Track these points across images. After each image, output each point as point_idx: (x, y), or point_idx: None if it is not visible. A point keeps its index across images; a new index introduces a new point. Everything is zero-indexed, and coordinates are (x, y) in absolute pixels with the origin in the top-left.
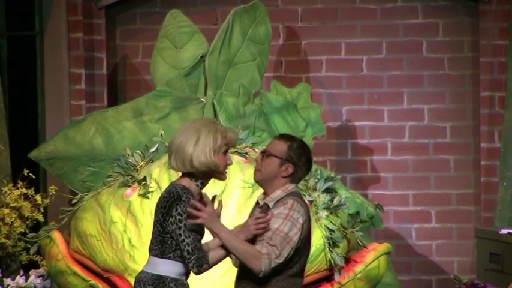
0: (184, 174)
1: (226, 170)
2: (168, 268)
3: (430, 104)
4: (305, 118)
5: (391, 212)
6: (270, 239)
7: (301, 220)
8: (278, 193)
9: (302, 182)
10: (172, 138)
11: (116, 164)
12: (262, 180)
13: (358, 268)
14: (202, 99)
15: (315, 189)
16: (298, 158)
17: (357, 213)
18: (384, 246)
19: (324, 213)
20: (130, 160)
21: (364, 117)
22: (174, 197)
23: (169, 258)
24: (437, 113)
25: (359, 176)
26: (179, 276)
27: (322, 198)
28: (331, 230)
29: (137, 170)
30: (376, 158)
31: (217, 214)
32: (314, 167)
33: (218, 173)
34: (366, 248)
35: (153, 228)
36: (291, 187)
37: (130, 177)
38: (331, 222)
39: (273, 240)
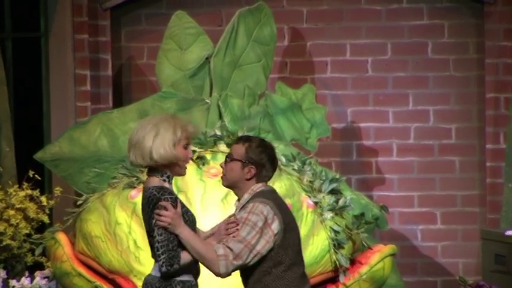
0: (149, 174)
1: (186, 165)
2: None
3: (435, 105)
4: (310, 119)
5: (396, 213)
6: (227, 241)
7: (260, 223)
8: (245, 197)
9: (307, 183)
10: (131, 133)
11: (121, 166)
12: (229, 186)
13: (363, 269)
14: (207, 101)
15: (320, 191)
16: (259, 157)
17: (362, 214)
18: (389, 248)
19: (329, 215)
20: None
21: (369, 119)
22: (153, 201)
23: None
24: (443, 115)
25: (364, 177)
26: (186, 277)
27: (327, 200)
28: (336, 231)
29: (142, 171)
30: (381, 159)
31: (179, 215)
32: (319, 168)
33: (178, 166)
34: (371, 249)
35: (148, 238)
36: (257, 187)
37: (135, 178)
38: (336, 223)
39: (229, 243)
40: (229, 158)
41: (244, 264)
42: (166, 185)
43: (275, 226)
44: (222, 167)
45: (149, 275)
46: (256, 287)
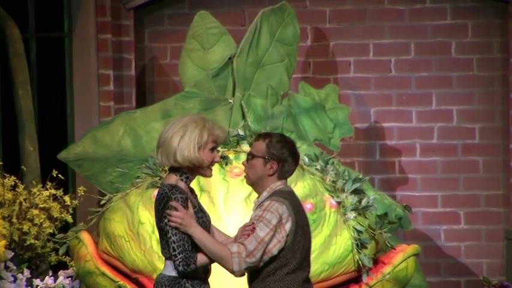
0: (170, 171)
1: (212, 167)
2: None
3: (458, 105)
4: (333, 119)
5: (419, 213)
6: (241, 239)
7: (274, 221)
8: (264, 194)
9: (330, 183)
10: (161, 132)
11: (144, 165)
12: (253, 183)
13: (387, 269)
14: (230, 101)
15: (343, 191)
16: (280, 152)
17: (385, 214)
18: (412, 248)
19: (352, 215)
20: (158, 161)
21: (393, 119)
22: (164, 199)
23: None
24: (466, 114)
25: (387, 177)
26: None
27: (350, 200)
28: (359, 231)
29: (165, 171)
30: (405, 159)
31: (191, 215)
32: (342, 168)
33: (202, 169)
34: (394, 249)
35: (159, 235)
36: (276, 185)
37: (158, 178)
38: (359, 223)
39: (244, 240)
40: (251, 155)
41: (257, 262)
42: (182, 184)
43: (288, 226)
44: (244, 165)
45: (160, 274)
46: (259, 286)
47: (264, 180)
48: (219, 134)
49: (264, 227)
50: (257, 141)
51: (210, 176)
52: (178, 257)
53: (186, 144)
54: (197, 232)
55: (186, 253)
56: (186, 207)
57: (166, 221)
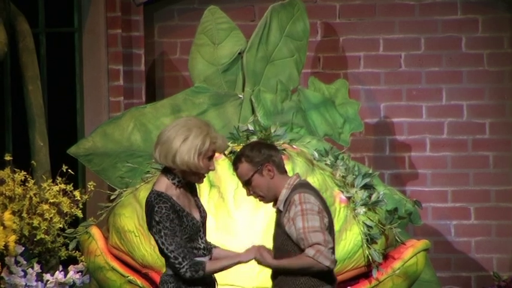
0: (162, 171)
1: (205, 176)
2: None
3: (469, 100)
4: (343, 114)
5: (429, 208)
6: (307, 242)
7: (316, 208)
8: (284, 192)
9: (340, 178)
10: (163, 129)
11: (153, 160)
12: (269, 198)
13: (397, 265)
14: (240, 96)
15: (352, 186)
16: (260, 154)
17: (395, 209)
18: (422, 243)
19: (362, 210)
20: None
21: (403, 114)
22: (149, 208)
23: None
24: (477, 109)
25: (397, 172)
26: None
27: (360, 195)
28: (369, 227)
29: None
30: (415, 154)
31: (259, 250)
32: (352, 163)
33: (197, 175)
34: (404, 244)
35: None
36: (292, 180)
37: None
38: (369, 218)
39: (310, 240)
40: (246, 182)
41: (333, 243)
42: (172, 189)
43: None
44: (250, 194)
45: (164, 272)
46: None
47: (274, 187)
48: (221, 144)
49: (312, 217)
50: (237, 168)
51: (201, 183)
52: (183, 263)
53: (187, 149)
54: (274, 262)
55: (191, 260)
56: (166, 218)
57: (158, 227)
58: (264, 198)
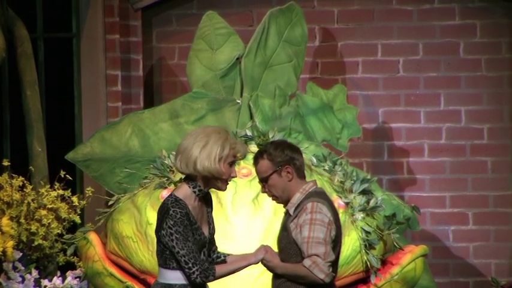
0: (185, 179)
1: (229, 182)
2: (174, 276)
3: (467, 105)
4: (341, 120)
5: (427, 214)
6: (307, 251)
7: (326, 219)
8: (297, 196)
9: (338, 183)
10: (183, 139)
11: (152, 166)
12: (283, 200)
13: (395, 270)
14: (238, 101)
15: (351, 191)
16: (283, 155)
17: (394, 215)
18: (420, 248)
19: (360, 215)
20: (166, 162)
21: (401, 119)
22: (163, 211)
23: (172, 268)
24: (475, 115)
25: (395, 177)
26: (187, 281)
27: (358, 200)
28: (367, 232)
29: (173, 172)
30: (413, 159)
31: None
32: (350, 168)
33: (220, 181)
34: (403, 250)
35: (156, 244)
36: (308, 186)
37: (166, 178)
38: (367, 224)
39: (310, 251)
40: (263, 179)
41: (334, 257)
42: (191, 199)
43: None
44: (265, 192)
45: (155, 282)
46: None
47: (289, 189)
48: (240, 149)
49: (320, 228)
50: (258, 163)
51: (224, 189)
52: (194, 269)
53: (207, 154)
54: (279, 265)
55: (201, 265)
56: (178, 223)
57: (170, 231)
58: (277, 199)
